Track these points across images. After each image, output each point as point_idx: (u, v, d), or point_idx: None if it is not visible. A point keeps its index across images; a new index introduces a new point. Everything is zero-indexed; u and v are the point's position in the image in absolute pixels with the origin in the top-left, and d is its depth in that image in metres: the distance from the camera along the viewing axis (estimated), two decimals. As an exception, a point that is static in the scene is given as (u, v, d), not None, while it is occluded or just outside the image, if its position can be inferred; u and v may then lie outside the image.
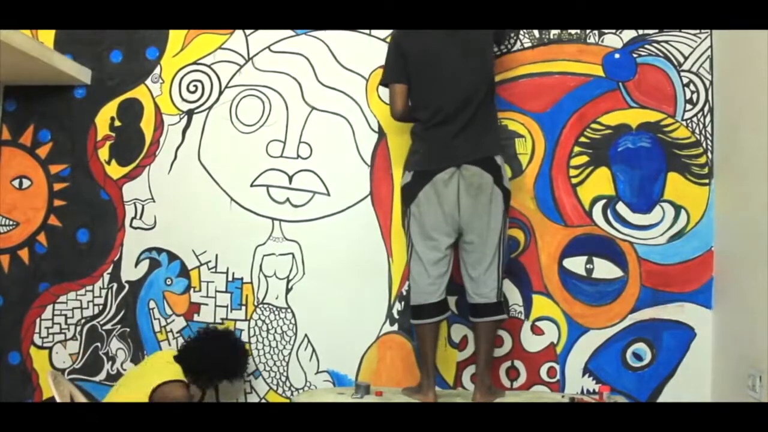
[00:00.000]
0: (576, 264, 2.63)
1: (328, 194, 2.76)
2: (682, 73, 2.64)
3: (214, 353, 2.50)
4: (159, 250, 2.81)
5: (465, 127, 2.30)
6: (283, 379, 2.73)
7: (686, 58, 2.65)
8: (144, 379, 2.43)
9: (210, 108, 2.83)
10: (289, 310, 2.74)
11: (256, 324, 2.75)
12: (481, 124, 2.34)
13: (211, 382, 2.56)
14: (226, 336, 2.59)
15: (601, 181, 2.64)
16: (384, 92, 2.73)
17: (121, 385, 2.51)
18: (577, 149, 2.66)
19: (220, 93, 2.83)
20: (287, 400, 2.70)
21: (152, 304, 2.79)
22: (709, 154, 2.61)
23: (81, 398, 2.59)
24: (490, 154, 2.32)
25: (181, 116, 2.84)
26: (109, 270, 2.82)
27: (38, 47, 2.61)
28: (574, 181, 2.65)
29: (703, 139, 2.62)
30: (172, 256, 2.80)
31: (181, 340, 2.75)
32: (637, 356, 2.59)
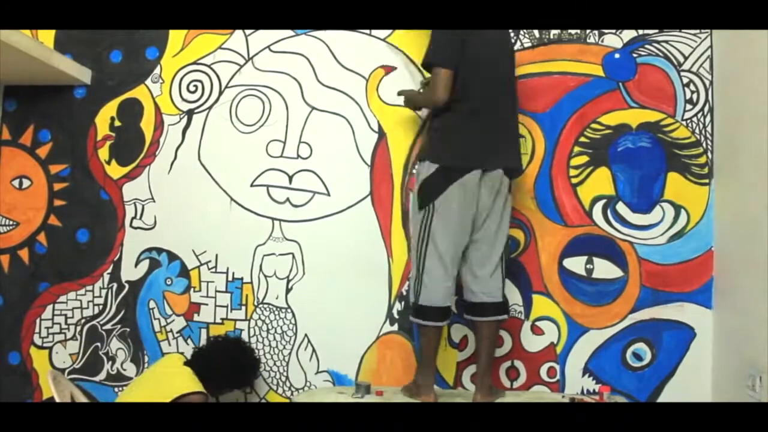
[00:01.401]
0: (576, 264, 2.63)
1: (328, 194, 2.76)
2: (682, 73, 2.64)
3: (229, 363, 2.51)
4: (159, 250, 2.81)
5: (504, 133, 2.31)
6: (283, 379, 2.73)
7: (686, 58, 2.65)
8: (158, 385, 2.43)
9: (210, 108, 2.83)
10: (289, 310, 2.74)
11: (256, 324, 2.75)
12: (514, 132, 2.37)
13: (220, 390, 2.57)
14: (240, 347, 2.60)
15: (601, 181, 2.64)
16: (385, 91, 2.74)
17: (132, 389, 2.50)
18: (577, 149, 2.66)
19: (220, 93, 2.83)
20: (287, 400, 2.70)
21: (152, 304, 2.79)
22: (709, 154, 2.61)
23: (82, 398, 2.59)
24: (517, 165, 2.37)
25: (181, 116, 2.84)
26: (109, 270, 2.82)
27: (38, 47, 2.61)
28: (574, 181, 2.65)
29: (703, 139, 2.62)
30: (172, 256, 2.80)
31: (180, 340, 2.75)
32: (637, 356, 2.59)
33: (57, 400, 2.44)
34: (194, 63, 2.85)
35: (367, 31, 2.78)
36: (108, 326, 2.81)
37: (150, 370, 2.61)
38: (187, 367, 2.47)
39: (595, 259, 2.62)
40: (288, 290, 2.74)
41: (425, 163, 2.28)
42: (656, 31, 2.66)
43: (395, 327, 2.69)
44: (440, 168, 2.24)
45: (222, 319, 2.76)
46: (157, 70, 2.86)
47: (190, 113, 2.84)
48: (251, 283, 2.76)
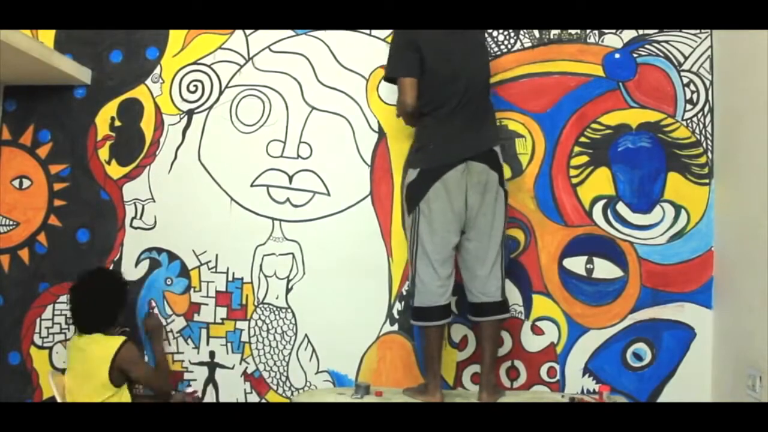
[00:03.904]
0: (576, 264, 2.63)
1: (328, 194, 2.76)
2: (682, 73, 2.64)
3: (92, 297, 2.55)
4: (159, 250, 2.80)
5: (469, 121, 2.31)
6: (283, 379, 2.73)
7: (686, 58, 2.65)
8: (89, 366, 2.45)
9: (210, 108, 2.83)
10: (289, 310, 2.74)
11: (256, 324, 2.75)
12: (482, 117, 2.36)
13: (120, 307, 2.60)
14: (80, 284, 2.59)
15: (601, 181, 2.64)
16: (385, 92, 2.74)
17: (74, 389, 2.49)
18: (577, 149, 2.66)
19: (220, 93, 2.83)
20: (287, 400, 2.71)
21: (152, 304, 2.79)
22: (709, 154, 2.61)
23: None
24: (491, 145, 2.34)
25: (181, 116, 2.84)
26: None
27: (38, 47, 2.61)
28: (574, 181, 2.65)
29: (703, 139, 2.62)
30: (172, 256, 2.80)
31: (180, 340, 2.76)
32: (637, 356, 2.59)
33: (57, 400, 2.45)
34: (194, 63, 2.85)
35: (367, 31, 2.78)
36: (108, 326, 2.80)
37: (71, 368, 2.55)
38: (93, 334, 2.50)
39: (595, 259, 2.62)
40: (288, 290, 2.74)
41: (408, 170, 2.39)
42: (656, 31, 2.66)
43: (395, 327, 2.69)
44: (421, 171, 2.32)
45: (222, 319, 2.76)
46: (157, 70, 2.86)
47: (190, 113, 2.84)
48: (251, 283, 2.76)
